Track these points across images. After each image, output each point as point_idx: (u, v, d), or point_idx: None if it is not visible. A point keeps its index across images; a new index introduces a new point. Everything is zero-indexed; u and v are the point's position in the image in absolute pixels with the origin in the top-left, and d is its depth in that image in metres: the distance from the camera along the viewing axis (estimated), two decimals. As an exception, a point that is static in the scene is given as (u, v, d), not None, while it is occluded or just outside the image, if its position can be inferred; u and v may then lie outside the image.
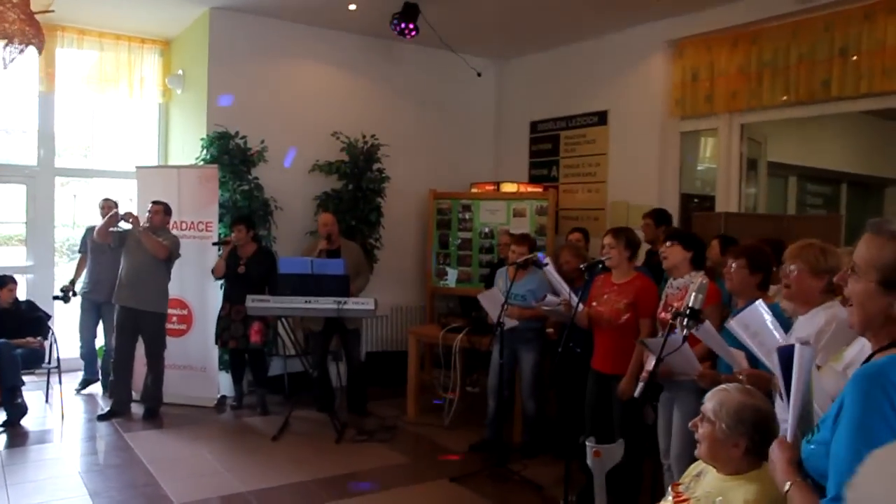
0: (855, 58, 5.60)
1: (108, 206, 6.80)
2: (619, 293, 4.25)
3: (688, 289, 3.96)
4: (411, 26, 6.54)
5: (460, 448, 5.61)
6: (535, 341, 5.37)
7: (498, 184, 7.70)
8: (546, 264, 4.49)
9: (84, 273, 7.00)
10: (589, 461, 3.21)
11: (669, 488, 2.43)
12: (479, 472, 5.02)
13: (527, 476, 4.96)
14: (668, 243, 4.01)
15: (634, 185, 6.99)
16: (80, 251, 7.20)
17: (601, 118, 7.35)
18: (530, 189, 7.59)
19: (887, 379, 1.44)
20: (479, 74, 7.89)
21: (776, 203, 8.20)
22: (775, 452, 1.78)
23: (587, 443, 3.19)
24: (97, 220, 6.80)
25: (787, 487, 1.69)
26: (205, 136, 6.87)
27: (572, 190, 7.66)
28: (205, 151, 6.83)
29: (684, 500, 2.31)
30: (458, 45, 7.56)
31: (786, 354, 1.83)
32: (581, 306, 4.17)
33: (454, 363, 6.03)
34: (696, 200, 7.11)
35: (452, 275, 7.65)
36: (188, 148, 7.26)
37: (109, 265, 6.67)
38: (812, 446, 1.65)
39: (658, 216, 5.83)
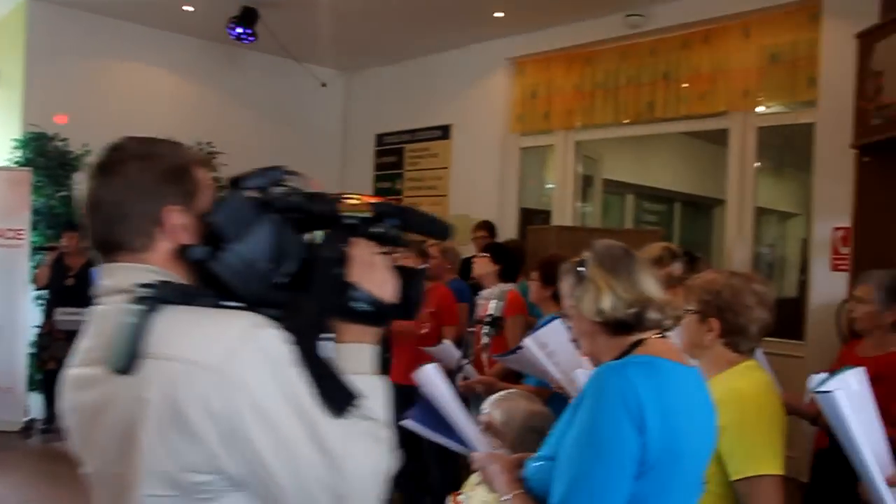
0: (686, 85, 5.90)
1: None
2: None
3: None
4: (249, 31, 6.33)
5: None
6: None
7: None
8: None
9: None
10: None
11: (449, 498, 2.37)
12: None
13: None
14: (481, 254, 4.17)
15: (475, 200, 7.05)
16: None
17: (444, 132, 7.40)
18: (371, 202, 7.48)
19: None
20: (323, 85, 7.76)
21: (613, 219, 8.52)
22: (492, 466, 1.66)
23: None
24: None
25: (508, 498, 1.58)
26: (19, 136, 6.33)
27: (416, 203, 7.64)
28: (18, 153, 6.29)
29: (462, 511, 2.24)
30: (302, 54, 7.39)
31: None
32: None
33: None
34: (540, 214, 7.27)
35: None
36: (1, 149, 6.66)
37: None
38: (537, 463, 1.57)
39: (492, 228, 5.93)
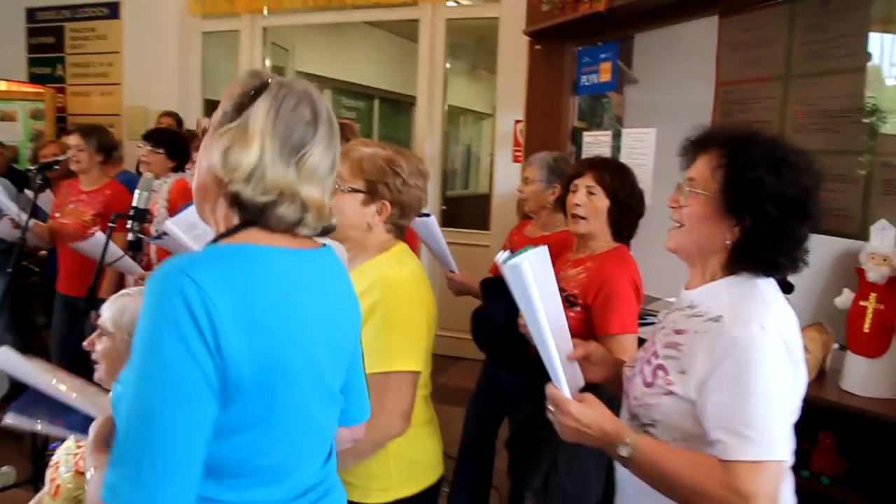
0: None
1: None
2: (88, 203, 3.68)
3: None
4: None
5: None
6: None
7: (-20, 81, 6.31)
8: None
9: None
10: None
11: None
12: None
13: None
14: (150, 148, 3.71)
15: (154, 89, 6.27)
16: None
17: (113, 10, 6.41)
18: (24, 89, 6.37)
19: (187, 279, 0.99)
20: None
21: (311, 115, 8.18)
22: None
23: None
24: None
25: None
26: None
27: (84, 92, 6.62)
28: None
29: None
30: None
31: None
32: (32, 222, 3.45)
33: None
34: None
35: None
36: None
37: None
38: (119, 387, 1.17)
39: (177, 119, 5.37)
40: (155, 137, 3.78)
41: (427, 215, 2.60)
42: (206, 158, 1.14)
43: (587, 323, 2.23)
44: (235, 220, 1.13)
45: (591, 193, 2.31)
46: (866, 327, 2.16)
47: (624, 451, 1.30)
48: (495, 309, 2.49)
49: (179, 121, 5.42)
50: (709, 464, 1.23)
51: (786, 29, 2.66)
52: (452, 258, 2.86)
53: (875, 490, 2.15)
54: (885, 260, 2.14)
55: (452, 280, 2.88)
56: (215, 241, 1.14)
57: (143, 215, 2.62)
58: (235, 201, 1.11)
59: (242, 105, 1.12)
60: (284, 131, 1.12)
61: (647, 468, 1.29)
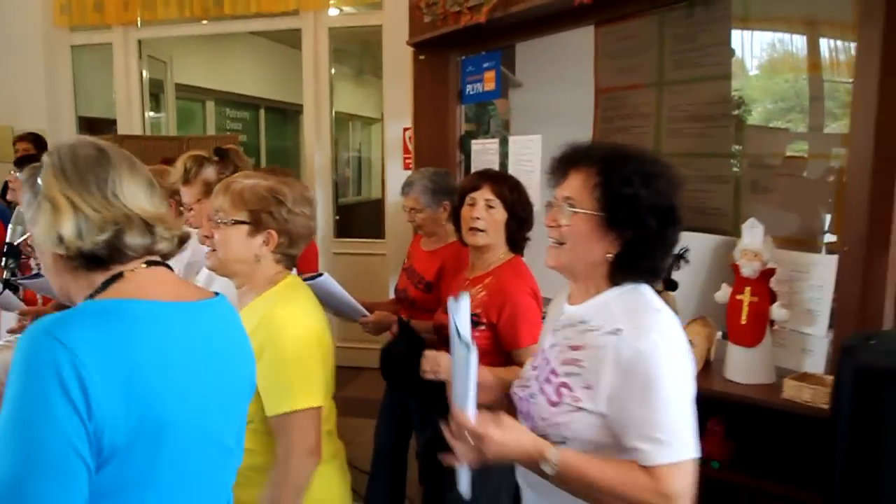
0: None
1: None
2: None
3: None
4: None
5: None
6: None
7: None
8: None
9: None
10: None
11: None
12: None
13: None
14: (17, 175, 3.44)
15: (20, 107, 5.90)
16: None
17: (-34, 23, 6.01)
18: None
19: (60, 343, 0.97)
20: None
21: (194, 128, 7.96)
22: None
23: None
24: None
25: None
26: None
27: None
28: None
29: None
30: None
31: None
32: None
33: None
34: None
35: None
36: None
37: None
38: None
39: (39, 140, 5.07)
40: (22, 163, 3.59)
41: (319, 275, 2.41)
42: (39, 248, 1.15)
43: (494, 340, 2.26)
44: (99, 280, 1.12)
45: (489, 207, 2.35)
46: (743, 319, 2.31)
47: (548, 468, 1.32)
48: (395, 346, 2.49)
49: (41, 142, 5.13)
50: (632, 470, 1.28)
51: (657, 38, 2.79)
52: (357, 303, 2.68)
53: (761, 470, 2.30)
54: (756, 255, 2.29)
55: (367, 324, 2.74)
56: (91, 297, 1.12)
57: (17, 252, 2.48)
58: (85, 258, 1.11)
59: (35, 185, 1.13)
60: (80, 177, 1.12)
61: (573, 481, 1.31)
